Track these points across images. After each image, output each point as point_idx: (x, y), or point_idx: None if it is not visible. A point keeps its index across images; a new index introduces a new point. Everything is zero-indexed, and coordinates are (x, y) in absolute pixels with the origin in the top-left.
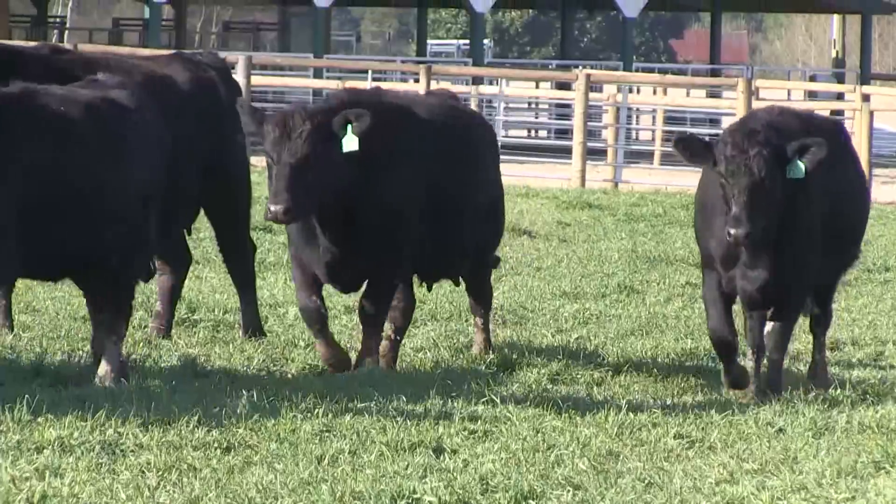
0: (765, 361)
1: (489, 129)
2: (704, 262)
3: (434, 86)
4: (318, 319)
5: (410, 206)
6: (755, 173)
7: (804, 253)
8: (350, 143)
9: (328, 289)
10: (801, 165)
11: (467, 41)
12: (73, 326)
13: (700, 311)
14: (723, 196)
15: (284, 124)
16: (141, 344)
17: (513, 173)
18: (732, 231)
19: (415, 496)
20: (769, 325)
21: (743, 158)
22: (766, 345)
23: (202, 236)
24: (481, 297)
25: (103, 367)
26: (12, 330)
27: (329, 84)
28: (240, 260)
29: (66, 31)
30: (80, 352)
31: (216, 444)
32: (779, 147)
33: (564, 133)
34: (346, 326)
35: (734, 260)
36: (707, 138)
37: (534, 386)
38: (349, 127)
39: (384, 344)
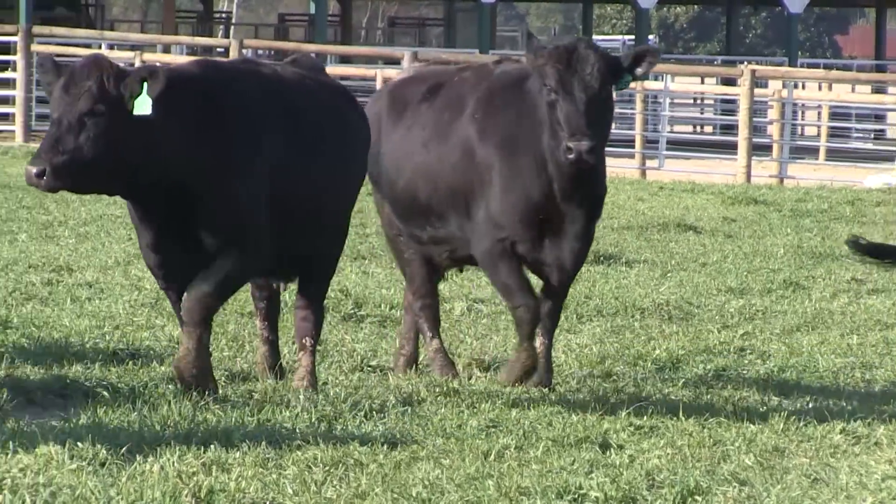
0: None
1: (354, 115)
2: None
3: None
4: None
5: (255, 196)
6: None
7: None
8: (142, 105)
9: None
10: None
11: (632, 36)
12: (240, 322)
13: (866, 306)
14: None
15: (72, 77)
16: None
17: (678, 169)
18: None
19: (580, 492)
20: None
21: None
22: None
23: (368, 231)
24: (318, 312)
25: None
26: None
27: None
28: None
29: (232, 27)
30: (248, 346)
31: (382, 440)
32: None
33: (730, 129)
34: (511, 322)
35: None
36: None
37: (700, 381)
38: (144, 87)
39: (263, 349)
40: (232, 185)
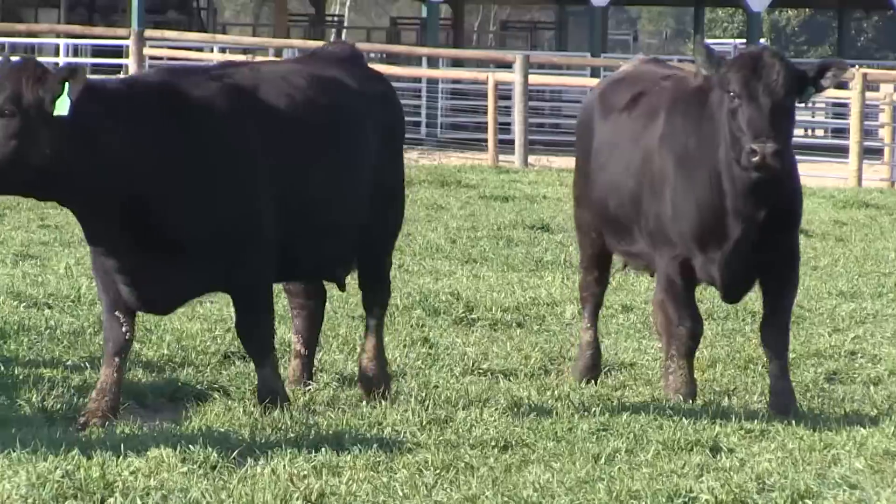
0: None
1: (388, 104)
2: None
3: None
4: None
5: (248, 199)
6: None
7: None
8: (62, 106)
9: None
10: None
11: (744, 40)
12: (350, 325)
13: None
14: None
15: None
16: (419, 344)
17: None
18: None
19: (691, 495)
20: None
21: None
22: None
23: (479, 235)
24: (376, 293)
25: None
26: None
27: None
28: None
29: (344, 31)
30: (359, 348)
31: (493, 443)
32: None
33: (841, 132)
34: (623, 325)
35: None
36: None
37: (811, 385)
38: (66, 86)
39: (294, 363)
40: (212, 194)
